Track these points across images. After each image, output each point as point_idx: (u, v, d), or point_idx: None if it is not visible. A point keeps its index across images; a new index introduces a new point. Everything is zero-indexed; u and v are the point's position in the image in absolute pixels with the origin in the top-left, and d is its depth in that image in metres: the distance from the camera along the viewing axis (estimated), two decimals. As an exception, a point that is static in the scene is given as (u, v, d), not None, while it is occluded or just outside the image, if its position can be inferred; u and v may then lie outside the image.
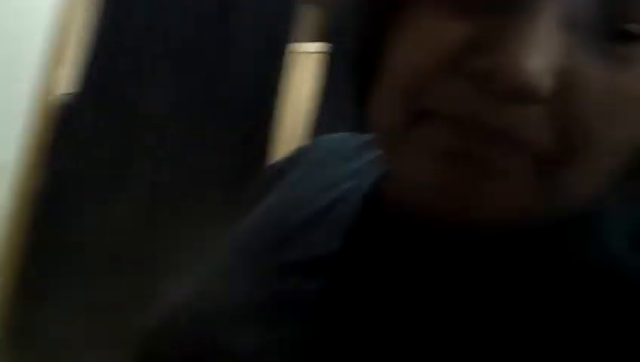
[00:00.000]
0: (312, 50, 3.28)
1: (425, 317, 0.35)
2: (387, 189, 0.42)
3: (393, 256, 0.39)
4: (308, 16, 2.88)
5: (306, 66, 3.28)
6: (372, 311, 0.37)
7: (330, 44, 2.57)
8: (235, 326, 0.40)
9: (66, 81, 2.01)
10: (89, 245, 1.99)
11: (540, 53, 0.29)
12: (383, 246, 0.40)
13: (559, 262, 0.36)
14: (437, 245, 0.37)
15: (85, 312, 1.91)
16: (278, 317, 0.39)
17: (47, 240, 1.99)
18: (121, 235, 2.04)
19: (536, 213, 0.34)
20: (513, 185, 0.32)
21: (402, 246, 0.39)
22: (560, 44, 0.30)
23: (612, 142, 0.32)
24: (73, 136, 2.01)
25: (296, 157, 0.54)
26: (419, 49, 0.33)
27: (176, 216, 2.07)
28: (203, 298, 0.43)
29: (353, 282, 0.39)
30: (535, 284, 0.35)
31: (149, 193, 2.11)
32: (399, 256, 0.39)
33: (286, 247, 0.43)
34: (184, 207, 2.08)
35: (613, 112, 0.31)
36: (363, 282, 0.39)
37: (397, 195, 0.39)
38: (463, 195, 0.32)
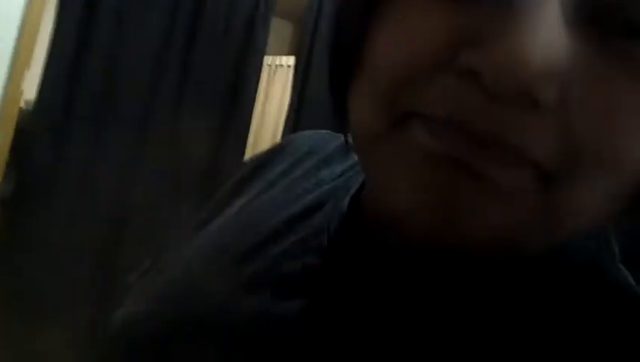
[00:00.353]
0: (286, 63, 3.30)
1: (409, 345, 0.32)
2: (367, 200, 0.38)
3: (375, 278, 0.35)
4: (281, 30, 2.88)
5: (280, 79, 3.29)
6: (350, 338, 0.34)
7: (304, 57, 2.58)
8: (193, 345, 0.36)
9: (33, 85, 1.97)
10: (57, 246, 1.96)
11: (544, 48, 0.24)
12: (364, 267, 0.36)
13: (560, 292, 0.33)
14: (423, 267, 0.34)
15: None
16: (244, 338, 0.35)
17: (14, 244, 1.95)
18: (89, 237, 2.01)
19: (535, 235, 0.30)
20: (507, 199, 0.28)
21: (384, 267, 0.35)
22: (568, 43, 0.25)
23: (623, 157, 0.28)
24: (38, 143, 1.97)
25: (274, 154, 0.50)
26: (401, 41, 0.29)
27: (147, 219, 2.05)
28: (160, 310, 0.40)
29: (329, 307, 0.35)
30: (529, 315, 0.32)
31: (117, 200, 2.08)
32: (381, 278, 0.35)
33: (255, 259, 0.39)
34: (155, 211, 2.07)
35: (624, 122, 0.27)
36: (339, 307, 0.35)
37: (376, 207, 0.35)
38: (446, 207, 0.28)
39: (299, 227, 0.40)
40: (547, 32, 0.25)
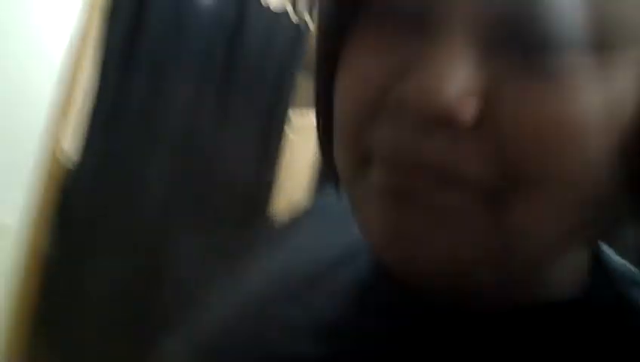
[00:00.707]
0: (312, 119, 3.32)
1: None
2: None
3: (404, 326, 0.36)
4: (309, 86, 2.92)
5: (306, 135, 3.32)
6: None
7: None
8: None
9: (72, 139, 1.96)
10: (99, 306, 1.97)
11: (455, 76, 0.26)
12: (393, 315, 0.37)
13: (591, 332, 0.33)
14: (449, 314, 0.34)
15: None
16: None
17: (56, 303, 1.96)
18: (129, 296, 2.03)
19: (495, 259, 0.30)
20: (460, 226, 0.29)
21: (406, 313, 0.36)
22: (481, 64, 0.27)
23: (563, 169, 0.28)
24: (77, 201, 2.00)
25: (307, 209, 0.53)
26: (352, 85, 0.31)
27: (186, 274, 2.06)
28: (194, 355, 0.41)
29: (359, 353, 0.36)
30: (562, 357, 0.32)
31: (157, 255, 2.11)
32: (410, 326, 0.36)
33: (288, 306, 0.41)
34: (194, 262, 2.08)
35: (551, 135, 0.27)
36: (370, 353, 0.35)
37: None
38: (399, 239, 0.29)
39: (331, 275, 0.41)
40: (459, 59, 0.26)
